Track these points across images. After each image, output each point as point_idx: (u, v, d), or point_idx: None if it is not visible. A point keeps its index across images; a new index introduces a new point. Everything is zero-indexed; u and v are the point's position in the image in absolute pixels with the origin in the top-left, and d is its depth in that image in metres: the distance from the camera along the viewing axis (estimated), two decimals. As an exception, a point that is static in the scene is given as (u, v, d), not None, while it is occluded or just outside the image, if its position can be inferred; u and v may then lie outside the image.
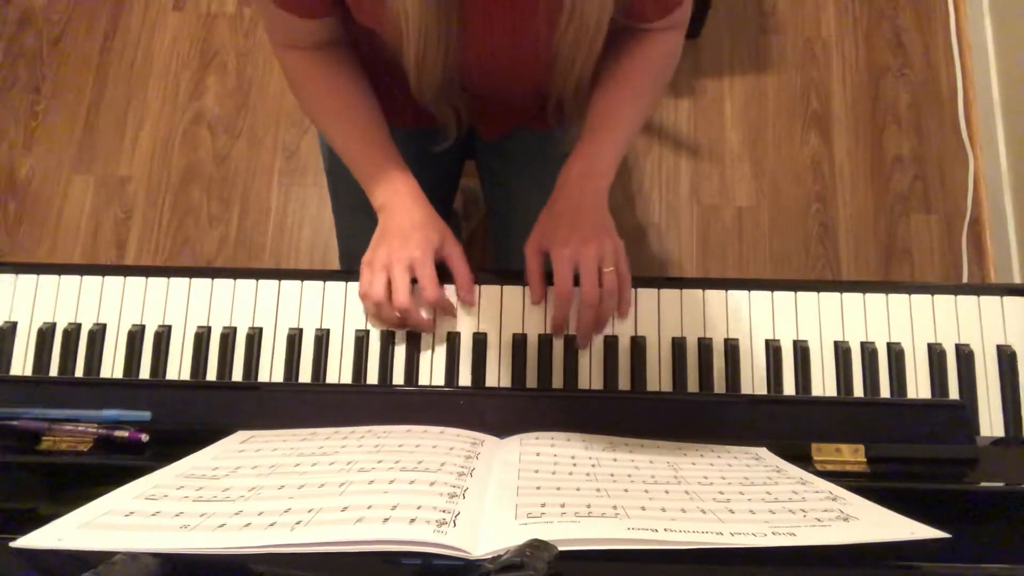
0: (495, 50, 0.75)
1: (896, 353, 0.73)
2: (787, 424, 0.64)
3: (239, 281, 0.76)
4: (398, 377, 0.74)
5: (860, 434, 0.60)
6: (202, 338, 0.74)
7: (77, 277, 0.77)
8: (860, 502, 0.46)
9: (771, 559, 0.41)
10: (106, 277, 0.77)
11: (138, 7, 1.75)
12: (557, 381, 0.73)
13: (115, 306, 0.76)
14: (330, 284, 0.76)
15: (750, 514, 0.44)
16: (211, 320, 0.75)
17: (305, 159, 1.65)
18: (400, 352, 0.74)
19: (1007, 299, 0.74)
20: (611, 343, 0.74)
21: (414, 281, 0.73)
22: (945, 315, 0.74)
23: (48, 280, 0.77)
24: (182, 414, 0.64)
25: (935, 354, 0.73)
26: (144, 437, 0.61)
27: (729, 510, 0.45)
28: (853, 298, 0.75)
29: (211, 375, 0.74)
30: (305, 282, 0.76)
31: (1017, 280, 1.48)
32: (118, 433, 0.60)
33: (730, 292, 0.75)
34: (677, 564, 0.41)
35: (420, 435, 0.57)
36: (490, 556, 0.38)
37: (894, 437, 0.62)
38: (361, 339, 0.74)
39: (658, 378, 0.74)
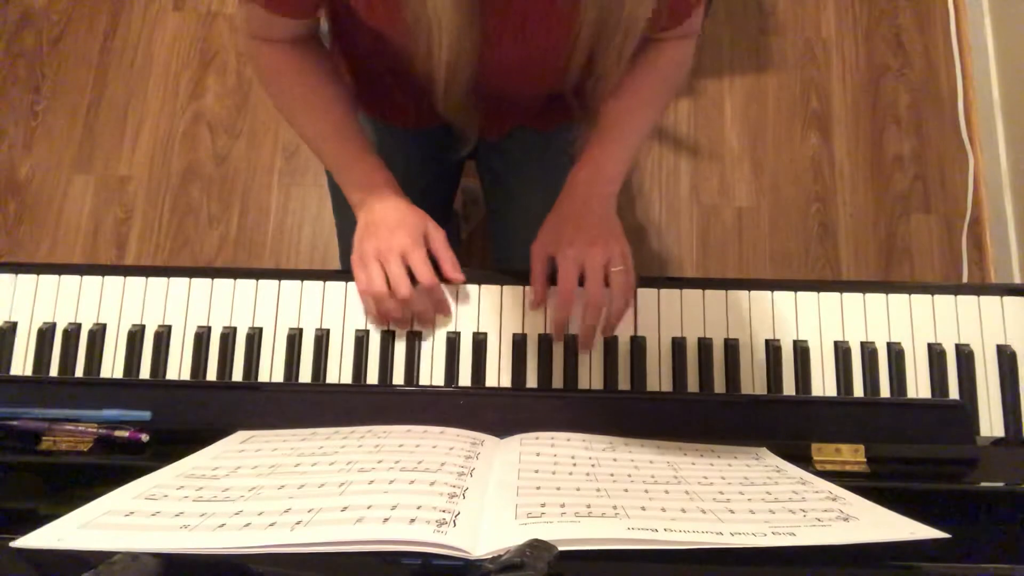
0: (522, 51, 0.75)
1: (896, 353, 0.73)
2: (787, 424, 0.64)
3: (239, 281, 0.76)
4: (398, 377, 0.73)
5: (860, 434, 0.60)
6: (202, 338, 0.74)
7: (77, 277, 0.77)
8: (860, 502, 0.46)
9: (771, 559, 0.41)
10: (106, 277, 0.77)
11: (138, 7, 1.75)
12: (557, 381, 0.73)
13: (115, 306, 0.76)
14: (330, 284, 0.76)
15: (750, 514, 0.44)
16: (211, 320, 0.75)
17: (305, 159, 1.65)
18: (400, 352, 0.74)
19: (1007, 299, 0.74)
20: (611, 343, 0.74)
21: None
22: (945, 315, 0.74)
23: (48, 280, 0.77)
24: (182, 414, 0.64)
25: (935, 354, 0.73)
26: (144, 437, 0.61)
27: (729, 510, 0.45)
28: (853, 298, 0.75)
29: (211, 375, 0.74)
30: (305, 282, 0.76)
31: (1017, 280, 1.48)
32: (118, 433, 0.60)
33: (730, 292, 0.75)
34: (677, 564, 0.41)
35: (420, 435, 0.57)
36: (490, 556, 0.38)
37: (894, 437, 0.62)
38: (361, 339, 0.74)
39: (658, 378, 0.74)
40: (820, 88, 1.68)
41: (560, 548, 0.37)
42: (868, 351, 0.73)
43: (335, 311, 0.75)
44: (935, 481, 0.60)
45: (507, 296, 0.76)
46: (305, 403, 0.65)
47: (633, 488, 0.48)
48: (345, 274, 0.77)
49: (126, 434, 0.60)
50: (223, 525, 0.41)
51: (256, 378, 0.74)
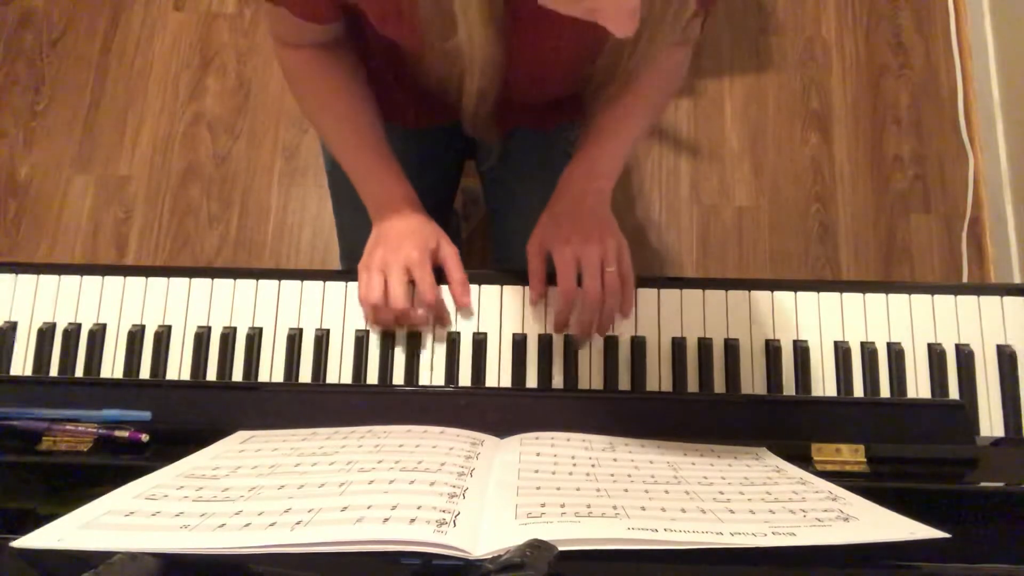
0: (544, 62, 0.75)
1: (896, 353, 0.73)
2: (787, 424, 0.64)
3: (239, 281, 0.76)
4: (398, 377, 0.74)
5: (860, 434, 0.60)
6: (202, 338, 0.74)
7: (77, 277, 0.77)
8: (860, 502, 0.46)
9: (771, 559, 0.41)
10: (106, 277, 0.77)
11: (138, 7, 1.75)
12: (557, 381, 0.73)
13: (115, 306, 0.76)
14: (330, 284, 0.76)
15: (750, 514, 0.44)
16: (211, 320, 0.75)
17: (305, 159, 1.65)
18: (400, 352, 0.74)
19: (1007, 299, 0.74)
20: (611, 343, 0.74)
21: (412, 284, 0.73)
22: (945, 315, 0.74)
23: (48, 280, 0.77)
24: (182, 414, 0.64)
25: (935, 354, 0.73)
26: (144, 437, 0.61)
27: (729, 510, 0.45)
28: (853, 298, 0.75)
29: (211, 375, 0.74)
30: (305, 282, 0.76)
31: (1017, 280, 1.48)
32: (118, 433, 0.60)
33: (730, 292, 0.75)
34: (677, 564, 0.41)
35: (420, 435, 0.57)
36: (490, 556, 0.38)
37: (894, 437, 0.62)
38: (361, 339, 0.74)
39: (658, 378, 0.74)
40: (820, 88, 1.68)
41: (560, 548, 0.37)
42: (868, 351, 0.73)
43: (335, 311, 0.75)
44: (935, 481, 0.60)
45: (507, 296, 0.76)
46: (305, 403, 0.65)
47: (633, 488, 0.48)
48: (345, 274, 0.77)
49: (126, 434, 0.60)
50: (223, 525, 0.41)
51: (256, 378, 0.74)
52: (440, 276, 0.75)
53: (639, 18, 0.50)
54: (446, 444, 0.55)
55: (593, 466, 0.53)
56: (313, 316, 0.75)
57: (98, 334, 0.75)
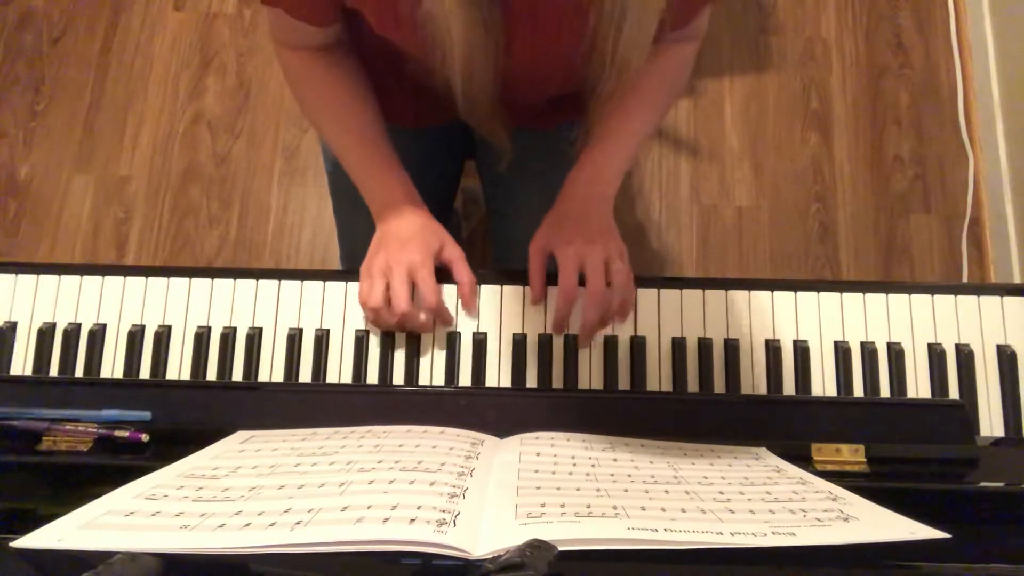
0: (540, 55, 0.74)
1: (896, 353, 0.73)
2: (787, 424, 0.64)
3: (239, 281, 0.76)
4: (398, 377, 0.74)
5: (860, 434, 0.60)
6: (202, 338, 0.74)
7: (77, 277, 0.77)
8: (860, 502, 0.46)
9: (771, 559, 0.41)
10: (106, 277, 0.77)
11: (138, 7, 1.75)
12: (557, 381, 0.73)
13: (115, 306, 0.76)
14: (330, 284, 0.76)
15: (750, 514, 0.44)
16: (211, 320, 0.75)
17: (305, 159, 1.65)
18: (400, 352, 0.74)
19: (1007, 299, 0.74)
20: (611, 343, 0.74)
21: (414, 286, 0.73)
22: (945, 315, 0.74)
23: (48, 280, 0.77)
24: (182, 414, 0.64)
25: (935, 354, 0.73)
26: (144, 437, 0.60)
27: (729, 510, 0.45)
28: (853, 298, 0.75)
29: (211, 375, 0.74)
30: (305, 282, 0.76)
31: (1017, 280, 1.48)
32: (118, 433, 0.60)
33: (730, 292, 0.75)
34: (677, 564, 0.41)
35: (420, 435, 0.57)
36: (490, 556, 0.38)
37: (894, 437, 0.62)
38: (361, 339, 0.74)
39: (658, 378, 0.74)
40: (820, 88, 1.68)
41: (560, 548, 0.37)
42: (868, 351, 0.73)
43: (335, 311, 0.75)
44: (935, 481, 0.60)
45: (507, 296, 0.76)
46: (305, 403, 0.65)
47: (633, 488, 0.48)
48: (345, 274, 0.77)
49: (126, 434, 0.60)
50: (223, 525, 0.41)
51: (256, 378, 0.74)
52: (441, 276, 0.75)
53: None
54: (446, 444, 0.55)
55: (593, 466, 0.53)
56: (313, 316, 0.75)
57: (98, 334, 0.75)
